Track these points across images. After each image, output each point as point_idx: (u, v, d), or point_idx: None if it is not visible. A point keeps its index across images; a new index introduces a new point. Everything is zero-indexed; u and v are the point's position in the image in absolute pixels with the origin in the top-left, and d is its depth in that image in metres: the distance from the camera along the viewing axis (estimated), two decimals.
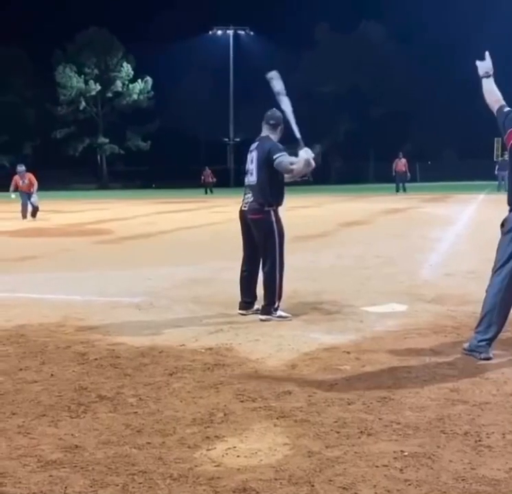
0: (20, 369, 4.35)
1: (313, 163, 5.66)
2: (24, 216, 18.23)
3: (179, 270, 8.62)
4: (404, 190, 32.25)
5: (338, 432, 3.26)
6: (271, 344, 4.94)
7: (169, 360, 4.50)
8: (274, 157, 5.63)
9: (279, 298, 5.79)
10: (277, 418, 3.45)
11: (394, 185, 33.35)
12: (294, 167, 5.65)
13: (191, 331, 5.34)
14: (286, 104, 5.74)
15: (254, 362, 4.46)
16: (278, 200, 5.85)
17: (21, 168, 19.09)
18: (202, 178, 39.81)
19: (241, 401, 3.71)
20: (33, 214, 18.17)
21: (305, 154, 5.60)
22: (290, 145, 5.83)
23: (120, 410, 3.61)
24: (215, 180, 40.09)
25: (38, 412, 3.60)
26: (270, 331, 5.34)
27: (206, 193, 38.30)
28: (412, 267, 8.62)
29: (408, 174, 33.18)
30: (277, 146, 5.76)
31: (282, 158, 5.62)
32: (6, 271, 8.81)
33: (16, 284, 7.74)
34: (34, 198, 18.21)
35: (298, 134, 5.73)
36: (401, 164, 32.99)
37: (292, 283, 6.58)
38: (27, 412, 3.60)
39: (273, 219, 5.75)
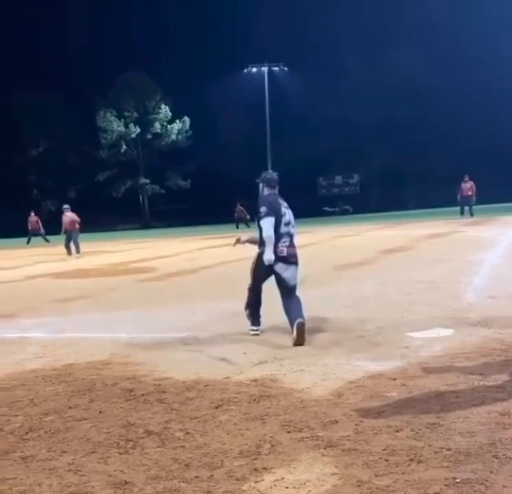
0: (70, 407, 4.41)
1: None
2: (69, 253, 19.64)
3: (221, 304, 8.66)
4: (471, 214, 31.15)
5: (387, 460, 3.21)
6: (316, 373, 4.92)
7: (215, 393, 4.52)
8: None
9: None
10: (325, 448, 3.43)
11: (458, 208, 32.15)
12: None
13: (235, 364, 5.35)
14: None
15: (300, 392, 4.45)
16: None
17: (66, 207, 21.09)
18: (235, 213, 40.04)
19: (288, 432, 3.70)
20: (77, 250, 19.41)
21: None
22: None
23: (168, 445, 3.63)
24: (247, 215, 40.00)
25: (88, 449, 3.64)
26: (314, 361, 5.31)
27: (237, 227, 38.36)
28: (456, 291, 8.50)
29: (474, 198, 32.06)
30: None
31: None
32: (54, 312, 8.97)
33: (63, 324, 7.87)
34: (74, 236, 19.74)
35: None
36: (467, 187, 32.03)
37: (336, 311, 6.57)
38: (77, 449, 3.65)
39: None
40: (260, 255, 6.51)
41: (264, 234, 6.40)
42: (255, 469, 3.22)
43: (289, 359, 5.40)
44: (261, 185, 6.78)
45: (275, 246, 6.39)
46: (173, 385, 4.77)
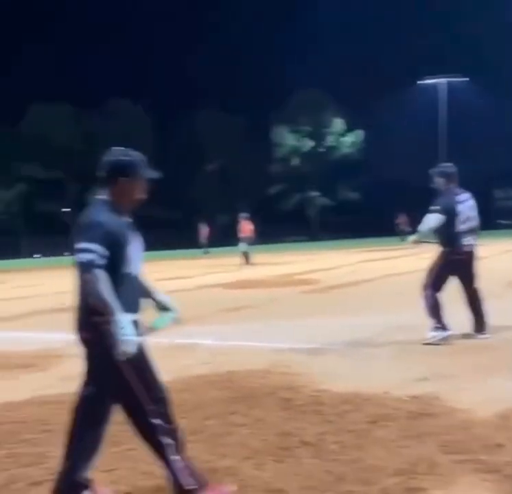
0: (230, 413, 4.54)
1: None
2: (245, 262, 21.30)
3: (384, 318, 8.53)
4: None
5: None
6: (480, 393, 4.70)
7: (373, 407, 4.45)
8: None
9: None
10: (486, 473, 3.26)
11: None
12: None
13: (395, 379, 5.24)
14: None
15: (462, 412, 4.26)
16: None
17: (244, 215, 23.99)
18: (398, 225, 39.15)
19: (447, 453, 3.56)
20: (247, 260, 20.36)
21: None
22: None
23: (322, 456, 3.62)
24: (407, 227, 38.85)
25: (245, 454, 3.72)
26: (480, 379, 5.08)
27: (402, 240, 37.49)
28: None
29: None
30: None
31: None
32: (221, 321, 9.31)
33: (228, 333, 8.14)
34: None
35: None
36: None
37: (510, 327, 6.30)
38: (236, 454, 3.75)
39: None
40: (444, 254, 6.67)
41: (426, 228, 6.62)
42: (410, 489, 3.14)
43: (453, 377, 5.21)
44: (438, 179, 6.73)
45: (458, 244, 6.61)
46: (331, 397, 4.76)
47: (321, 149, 61.64)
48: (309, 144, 60.55)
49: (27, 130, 61.71)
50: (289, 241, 52.09)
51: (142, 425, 3.11)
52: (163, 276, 19.27)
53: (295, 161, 61.07)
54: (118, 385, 3.04)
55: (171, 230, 59.65)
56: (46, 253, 59.96)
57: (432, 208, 6.67)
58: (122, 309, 2.90)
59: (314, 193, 62.10)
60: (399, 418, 4.20)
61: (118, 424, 4.32)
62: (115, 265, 2.98)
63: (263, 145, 59.96)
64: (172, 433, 3.14)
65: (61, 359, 6.82)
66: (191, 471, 3.08)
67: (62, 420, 4.44)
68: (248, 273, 18.60)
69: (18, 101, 58.41)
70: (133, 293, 3.10)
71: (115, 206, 3.11)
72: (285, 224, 59.85)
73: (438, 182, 6.79)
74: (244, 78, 58.90)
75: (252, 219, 25.93)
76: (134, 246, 3.13)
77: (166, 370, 5.95)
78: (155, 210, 63.41)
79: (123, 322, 2.86)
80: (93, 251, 2.91)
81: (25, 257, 59.29)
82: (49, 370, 6.30)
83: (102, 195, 3.14)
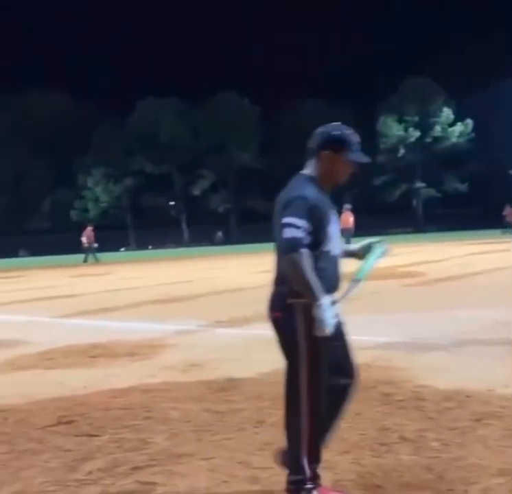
0: None
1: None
2: None
3: (490, 313, 8.23)
4: None
5: None
6: None
7: (476, 405, 4.29)
8: None
9: None
10: None
11: None
12: None
13: (501, 376, 5.04)
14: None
15: None
16: None
17: (348, 206, 24.63)
18: (504, 217, 37.43)
19: None
20: None
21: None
22: None
23: (422, 453, 3.53)
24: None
25: (343, 448, 3.68)
26: None
27: (502, 233, 35.84)
28: None
29: None
30: None
31: None
32: None
33: None
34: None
35: None
36: None
37: None
38: (333, 447, 3.71)
39: None
40: None
41: None
42: None
43: None
44: None
45: None
46: (433, 393, 4.64)
47: (428, 140, 60.25)
48: (415, 134, 59.31)
49: (136, 125, 63.78)
50: (394, 233, 51.25)
51: (293, 408, 3.01)
52: (265, 269, 19.41)
53: (401, 152, 60.03)
54: (302, 363, 2.95)
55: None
56: (153, 245, 61.99)
57: None
58: (323, 290, 2.82)
59: (420, 184, 60.81)
60: (504, 416, 4.04)
61: (214, 413, 4.40)
62: (318, 242, 2.86)
63: (368, 135, 59.22)
64: (324, 426, 3.04)
65: (163, 348, 7.01)
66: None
67: (163, 407, 4.58)
68: (350, 265, 18.39)
69: (127, 97, 60.47)
70: (333, 272, 3.02)
71: (319, 182, 2.98)
72: (389, 216, 58.99)
73: None
74: (351, 67, 58.44)
75: (355, 210, 25.70)
76: (334, 225, 3.00)
77: (264, 361, 6.02)
78: (258, 202, 64.31)
79: (325, 304, 2.80)
80: (299, 227, 2.77)
81: (133, 250, 61.44)
82: (152, 359, 6.49)
83: (307, 170, 3.03)
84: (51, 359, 6.71)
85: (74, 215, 65.05)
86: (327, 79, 59.50)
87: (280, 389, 4.64)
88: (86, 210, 65.32)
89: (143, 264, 29.30)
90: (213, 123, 62.83)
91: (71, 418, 4.46)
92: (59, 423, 4.36)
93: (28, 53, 72.29)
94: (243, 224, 66.13)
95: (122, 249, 59.44)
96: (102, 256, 34.17)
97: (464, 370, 5.36)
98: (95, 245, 33.25)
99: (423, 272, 14.86)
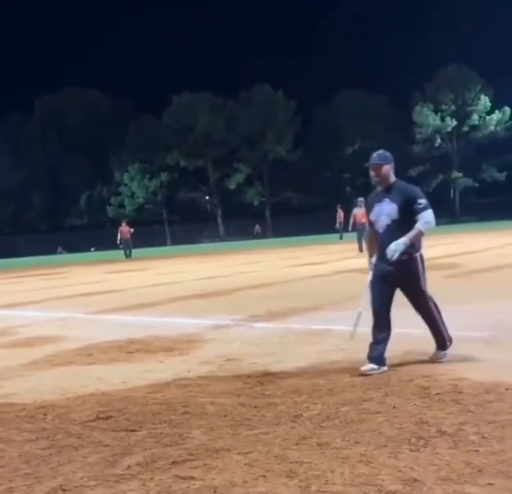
0: (365, 400, 4.49)
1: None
2: (360, 250, 20.16)
3: None
4: None
5: None
6: None
7: None
8: None
9: None
10: None
11: None
12: None
13: None
14: None
15: None
16: None
17: (360, 200, 22.45)
18: None
19: None
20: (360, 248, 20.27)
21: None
22: None
23: (461, 447, 3.50)
24: None
25: (380, 442, 3.66)
26: None
27: None
28: None
29: None
30: None
31: None
32: (356, 306, 9.19)
33: (363, 318, 8.02)
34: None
35: None
36: None
37: None
38: (370, 441, 3.70)
39: None
40: None
41: None
42: None
43: None
44: None
45: None
46: (471, 386, 4.58)
47: (465, 129, 59.34)
48: (452, 123, 58.41)
49: (171, 120, 64.05)
50: None
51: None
52: (300, 262, 19.44)
53: (437, 141, 59.24)
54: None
55: (310, 215, 59.88)
56: (187, 240, 62.17)
57: None
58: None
59: (457, 174, 59.95)
60: None
61: (251, 407, 4.42)
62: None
63: (404, 125, 58.61)
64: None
65: (200, 343, 7.06)
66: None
67: (200, 402, 4.61)
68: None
69: (162, 93, 60.81)
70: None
71: None
72: None
73: None
74: (386, 56, 57.90)
75: None
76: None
77: (300, 355, 6.01)
78: (292, 195, 64.18)
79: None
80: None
81: (167, 245, 61.75)
82: (189, 354, 6.54)
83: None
84: (89, 355, 6.81)
85: (110, 211, 65.77)
86: (363, 67, 59.06)
87: (319, 381, 4.59)
88: (122, 206, 65.99)
89: (179, 259, 29.50)
90: (248, 116, 62.83)
91: (109, 413, 4.52)
92: (98, 418, 4.42)
93: (66, 52, 73.28)
94: (277, 217, 66.11)
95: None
96: (138, 252, 34.46)
97: (504, 362, 5.28)
98: (130, 241, 33.57)
99: (460, 263, 14.68)
